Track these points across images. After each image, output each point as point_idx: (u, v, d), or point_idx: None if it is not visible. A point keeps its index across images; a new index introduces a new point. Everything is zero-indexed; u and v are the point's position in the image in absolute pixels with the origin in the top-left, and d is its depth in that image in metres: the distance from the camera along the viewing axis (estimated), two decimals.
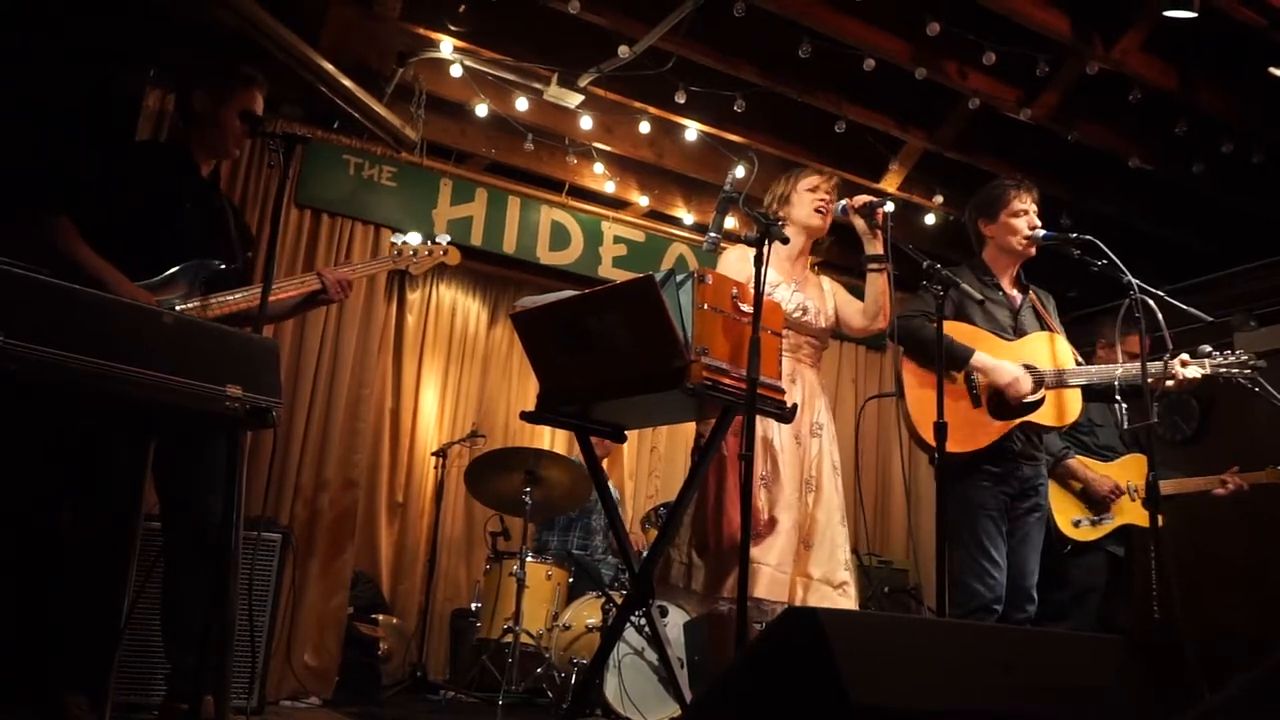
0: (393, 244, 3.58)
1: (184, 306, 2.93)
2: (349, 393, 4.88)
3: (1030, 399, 3.30)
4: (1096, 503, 4.27)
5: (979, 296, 3.21)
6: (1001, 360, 3.32)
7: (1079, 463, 4.29)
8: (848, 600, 3.17)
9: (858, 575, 5.80)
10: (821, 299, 3.45)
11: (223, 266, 3.07)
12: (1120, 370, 3.34)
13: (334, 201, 5.05)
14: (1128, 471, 4.32)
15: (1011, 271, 3.57)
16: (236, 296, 3.03)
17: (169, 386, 2.04)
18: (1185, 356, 3.33)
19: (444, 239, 3.64)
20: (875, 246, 3.30)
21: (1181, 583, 3.14)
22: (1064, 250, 3.34)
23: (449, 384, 6.38)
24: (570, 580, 5.06)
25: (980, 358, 3.31)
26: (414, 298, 6.31)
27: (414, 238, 3.58)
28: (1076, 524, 4.26)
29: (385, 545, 5.91)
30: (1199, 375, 3.31)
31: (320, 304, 3.39)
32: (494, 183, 5.63)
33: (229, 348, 2.21)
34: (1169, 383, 3.29)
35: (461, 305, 6.52)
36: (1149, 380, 3.13)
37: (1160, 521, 4.12)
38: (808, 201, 3.39)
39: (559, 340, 2.71)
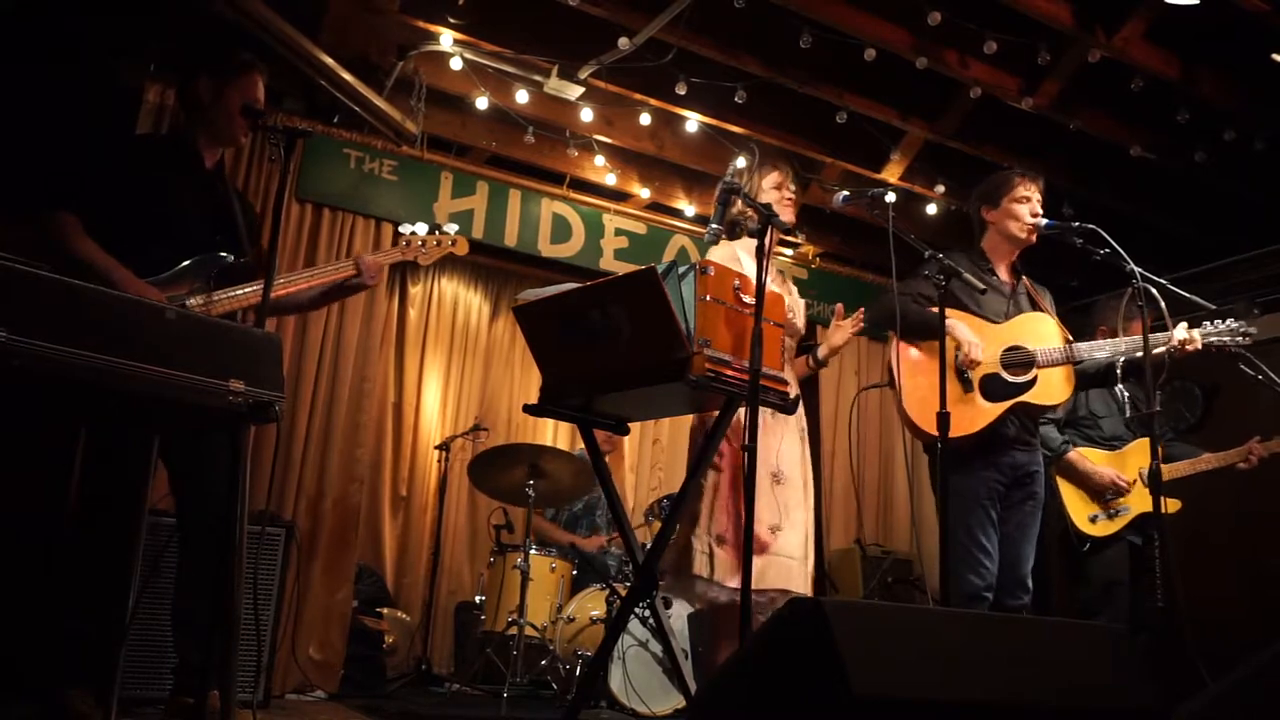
0: (400, 234, 3.58)
1: (194, 302, 2.92)
2: (351, 387, 4.89)
3: (1019, 379, 3.34)
4: (1108, 497, 4.19)
5: (981, 286, 3.22)
6: (972, 335, 3.35)
7: (1079, 455, 4.20)
8: None
9: (861, 564, 5.87)
10: (794, 302, 3.52)
11: (231, 260, 3.06)
12: (1124, 345, 3.36)
13: (334, 195, 5.05)
14: (1137, 458, 4.22)
15: (1009, 260, 3.59)
16: (247, 290, 3.02)
17: (171, 382, 2.04)
18: (1185, 324, 3.39)
19: (452, 228, 3.64)
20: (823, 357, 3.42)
21: (1186, 567, 3.15)
22: (1066, 239, 3.34)
23: (451, 377, 6.39)
24: (574, 573, 5.07)
25: (951, 324, 3.27)
26: (416, 291, 6.32)
27: (421, 228, 3.59)
28: (1093, 520, 4.16)
29: (389, 539, 5.93)
30: (1188, 336, 3.37)
31: (350, 291, 3.42)
32: (495, 175, 5.62)
33: (231, 342, 2.21)
34: (1160, 349, 3.33)
35: (463, 299, 6.53)
36: (1150, 354, 3.16)
37: (1169, 507, 4.10)
38: (775, 199, 3.39)
39: (561, 333, 2.71)
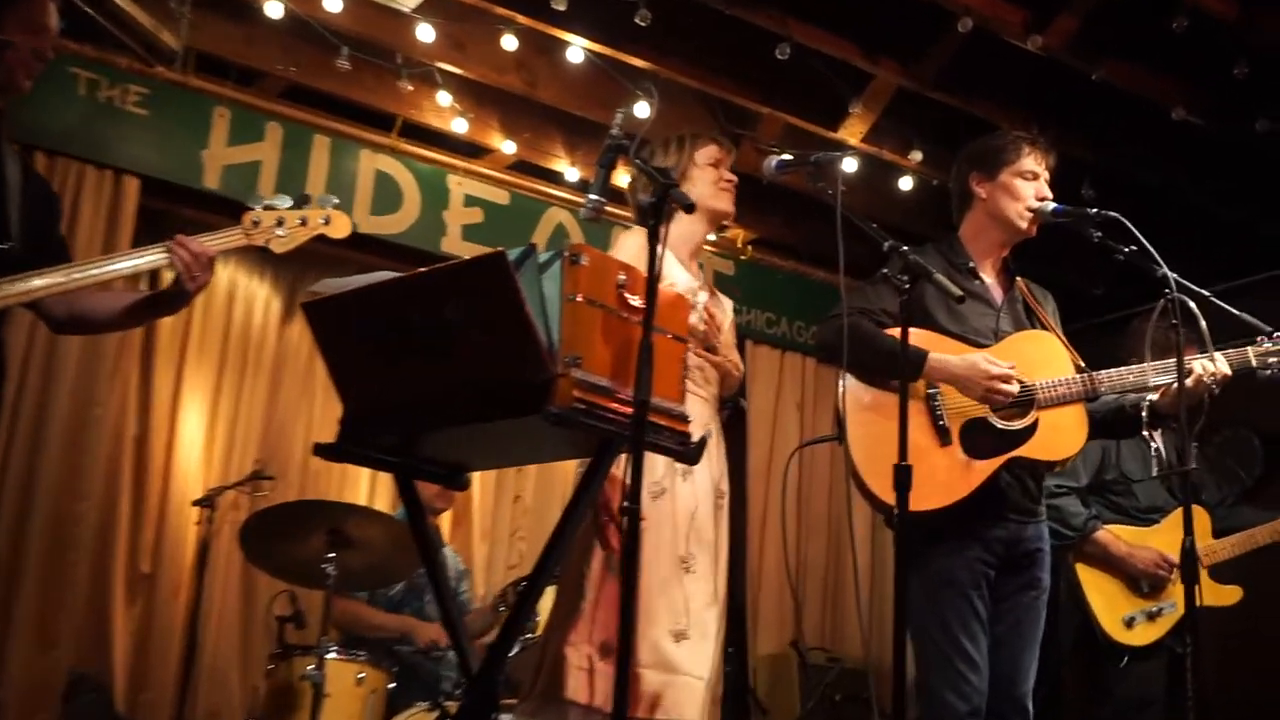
0: (250, 210, 3.43)
1: None
2: (70, 414, 4.82)
3: (1013, 426, 3.32)
4: (1146, 589, 4.25)
5: (958, 293, 3.21)
6: (970, 358, 3.29)
7: (1110, 535, 4.27)
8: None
9: (800, 676, 5.91)
10: (722, 314, 3.55)
11: (2, 247, 2.97)
12: (1158, 370, 3.31)
13: (54, 135, 4.98)
14: (1177, 534, 4.28)
15: (998, 255, 3.62)
16: (31, 285, 2.94)
17: None
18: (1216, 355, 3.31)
19: (330, 200, 3.52)
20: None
21: (1250, 670, 3.17)
22: (1082, 230, 3.38)
23: (222, 403, 6.27)
24: (391, 686, 5.00)
25: (937, 360, 3.28)
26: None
27: (282, 201, 3.48)
28: (1130, 623, 4.22)
29: (121, 635, 5.77)
30: (1207, 370, 3.27)
31: (171, 300, 3.31)
32: (292, 114, 5.59)
33: None
34: (1189, 380, 3.22)
35: (243, 290, 6.41)
36: (1185, 391, 3.12)
37: (1227, 597, 4.12)
38: (710, 179, 3.45)
39: (371, 342, 2.69)
